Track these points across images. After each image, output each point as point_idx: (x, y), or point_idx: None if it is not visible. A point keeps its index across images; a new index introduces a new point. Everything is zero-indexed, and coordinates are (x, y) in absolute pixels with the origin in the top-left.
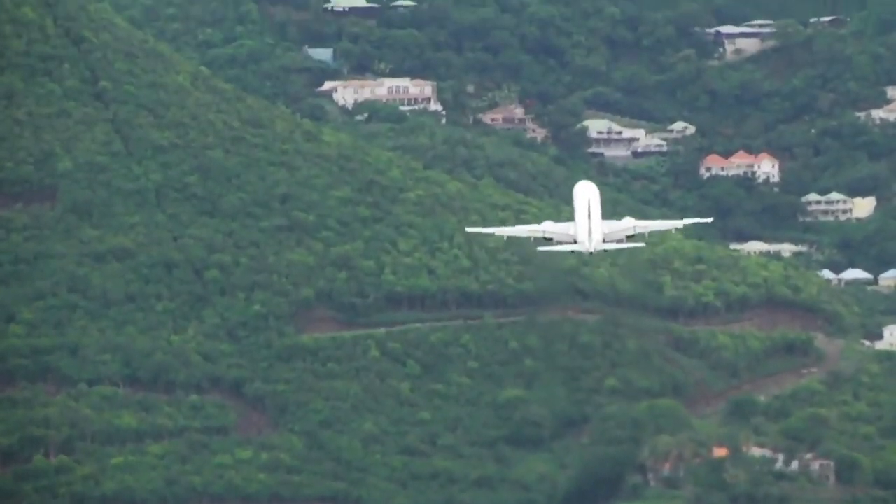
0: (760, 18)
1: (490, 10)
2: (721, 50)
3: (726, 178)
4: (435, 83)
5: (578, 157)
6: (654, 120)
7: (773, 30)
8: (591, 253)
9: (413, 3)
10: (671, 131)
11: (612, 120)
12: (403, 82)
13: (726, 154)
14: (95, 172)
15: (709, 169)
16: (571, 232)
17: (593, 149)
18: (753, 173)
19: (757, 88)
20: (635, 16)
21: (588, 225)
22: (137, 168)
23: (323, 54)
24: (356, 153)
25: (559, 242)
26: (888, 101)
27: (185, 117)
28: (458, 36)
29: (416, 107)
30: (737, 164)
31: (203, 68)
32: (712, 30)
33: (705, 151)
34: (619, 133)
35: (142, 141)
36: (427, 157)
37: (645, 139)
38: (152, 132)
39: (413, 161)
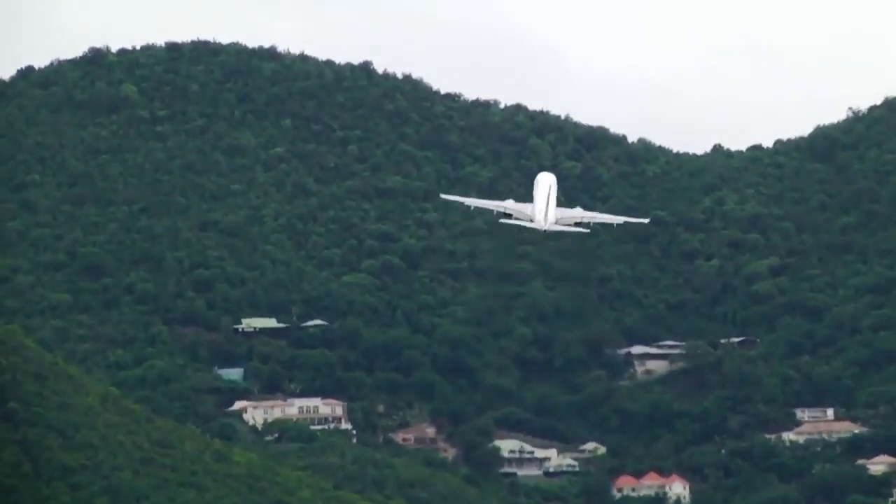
0: (670, 339)
1: (401, 329)
2: (631, 370)
3: (638, 498)
4: (346, 403)
5: (490, 478)
6: (566, 440)
7: (683, 350)
8: (545, 231)
9: (324, 323)
10: (582, 451)
11: (523, 440)
12: (314, 402)
13: (637, 475)
14: (3, 495)
15: (620, 490)
16: (529, 212)
17: (505, 469)
18: (665, 494)
19: (667, 409)
20: (546, 336)
21: (545, 208)
22: (46, 490)
23: (233, 374)
24: (266, 473)
25: (518, 219)
26: (798, 424)
27: (95, 438)
28: (369, 355)
29: (326, 426)
30: (648, 485)
31: (113, 389)
32: (623, 350)
33: (616, 472)
34: (531, 453)
35: (51, 462)
36: (337, 478)
37: (556, 459)
38: (61, 454)
39: (323, 481)
